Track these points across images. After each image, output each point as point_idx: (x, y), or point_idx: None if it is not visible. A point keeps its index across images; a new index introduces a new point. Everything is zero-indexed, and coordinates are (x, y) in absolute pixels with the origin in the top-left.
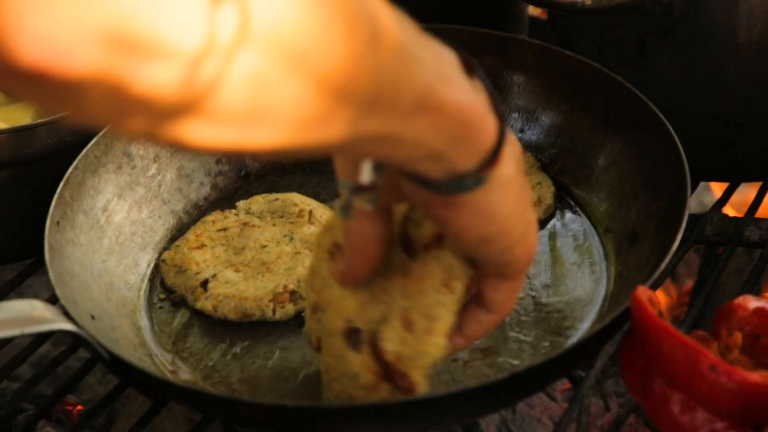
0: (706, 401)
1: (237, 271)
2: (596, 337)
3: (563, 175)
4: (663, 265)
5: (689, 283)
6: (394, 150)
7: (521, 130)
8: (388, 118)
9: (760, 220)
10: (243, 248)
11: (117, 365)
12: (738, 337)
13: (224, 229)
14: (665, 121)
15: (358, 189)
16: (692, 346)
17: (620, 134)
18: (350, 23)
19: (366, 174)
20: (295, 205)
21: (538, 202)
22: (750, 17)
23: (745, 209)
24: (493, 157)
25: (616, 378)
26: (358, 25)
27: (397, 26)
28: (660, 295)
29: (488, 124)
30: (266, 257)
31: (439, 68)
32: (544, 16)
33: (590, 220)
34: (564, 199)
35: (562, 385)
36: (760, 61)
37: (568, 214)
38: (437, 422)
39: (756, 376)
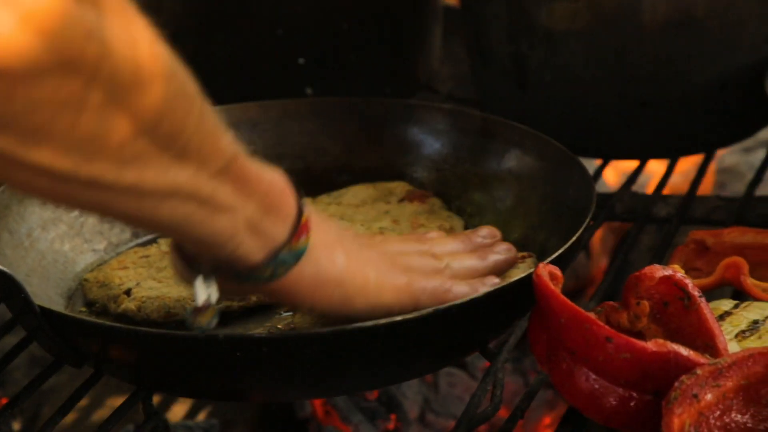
0: (605, 371)
1: (160, 282)
2: (484, 301)
3: (477, 214)
4: (569, 243)
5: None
6: (213, 221)
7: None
8: (198, 172)
9: (668, 196)
10: (165, 267)
11: (47, 318)
12: (645, 305)
13: (146, 256)
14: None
15: (196, 311)
16: (588, 320)
17: (522, 169)
18: (169, 74)
19: (199, 293)
20: None
21: (450, 230)
22: None
23: (654, 187)
24: (299, 221)
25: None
26: (177, 78)
27: (202, 97)
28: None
29: (288, 193)
30: None
31: (240, 145)
32: (458, 5)
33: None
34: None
35: (483, 364)
36: (664, 41)
37: None
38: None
39: (651, 345)
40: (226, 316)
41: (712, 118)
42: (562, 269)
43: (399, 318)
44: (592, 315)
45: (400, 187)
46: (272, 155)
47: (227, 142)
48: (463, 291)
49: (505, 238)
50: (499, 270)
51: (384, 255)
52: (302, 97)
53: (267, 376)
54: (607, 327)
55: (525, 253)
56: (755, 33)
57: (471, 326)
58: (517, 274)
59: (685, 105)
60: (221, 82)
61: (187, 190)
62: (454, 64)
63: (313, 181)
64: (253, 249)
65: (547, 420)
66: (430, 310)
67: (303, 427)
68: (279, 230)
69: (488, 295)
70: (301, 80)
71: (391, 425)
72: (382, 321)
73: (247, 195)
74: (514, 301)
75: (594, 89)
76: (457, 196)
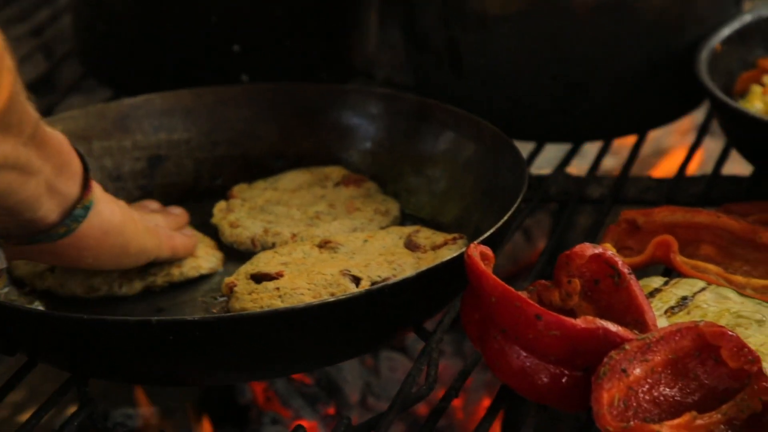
0: (535, 349)
1: None
2: (416, 281)
3: (413, 197)
4: (500, 223)
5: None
6: (26, 186)
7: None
8: (16, 143)
9: (602, 178)
10: None
11: None
12: (576, 283)
13: None
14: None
15: None
16: (518, 298)
17: (455, 150)
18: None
19: None
20: None
21: (386, 212)
22: None
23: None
24: (87, 177)
25: None
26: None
27: (15, 77)
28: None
29: (72, 151)
30: None
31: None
32: None
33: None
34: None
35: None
36: (595, 24)
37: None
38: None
39: (580, 322)
40: (148, 294)
41: (645, 100)
42: (494, 249)
43: (332, 299)
44: (523, 294)
45: (335, 171)
46: (207, 142)
47: (32, 109)
48: (181, 239)
49: (439, 220)
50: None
51: (131, 207)
52: (238, 84)
53: (201, 359)
54: (536, 305)
55: (456, 235)
56: (685, 15)
57: (404, 306)
58: (450, 255)
59: (618, 87)
60: (155, 70)
61: (11, 159)
62: (391, 50)
63: (249, 167)
64: (50, 208)
65: (486, 402)
66: (362, 290)
67: (244, 413)
68: (71, 188)
69: (420, 275)
70: (237, 67)
71: (331, 410)
72: (316, 302)
73: (46, 157)
74: (447, 281)
75: (527, 73)
76: (392, 180)
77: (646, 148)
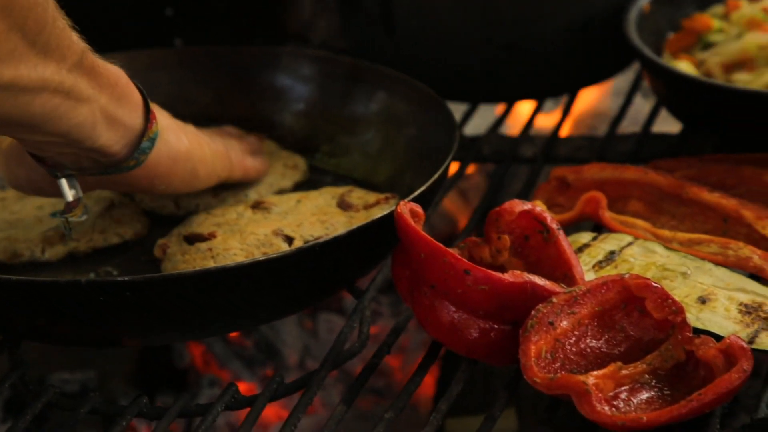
0: (464, 304)
1: (11, 224)
2: (347, 239)
3: (346, 157)
4: (429, 182)
5: None
6: (76, 112)
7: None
8: (60, 67)
9: (534, 137)
10: (20, 210)
11: None
12: (506, 239)
13: (3, 199)
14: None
15: (68, 207)
16: (447, 253)
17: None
18: None
19: (66, 191)
20: None
21: (295, 167)
22: None
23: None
24: (148, 109)
25: None
26: None
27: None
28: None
29: (131, 84)
30: (40, 212)
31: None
32: None
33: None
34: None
35: None
36: None
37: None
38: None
39: (508, 276)
40: (77, 259)
41: (576, 60)
42: (425, 208)
43: (263, 258)
44: (454, 251)
45: (233, 132)
46: None
47: (77, 38)
48: (253, 162)
49: (373, 180)
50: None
51: (201, 131)
52: (170, 47)
53: (133, 320)
54: (464, 260)
55: (389, 194)
56: None
57: (335, 264)
58: (381, 214)
59: (549, 47)
60: (87, 34)
61: (54, 83)
62: (327, 13)
63: None
64: (112, 138)
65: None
66: (293, 249)
67: (182, 376)
68: (134, 119)
69: (350, 233)
70: (170, 31)
71: (269, 371)
72: (246, 261)
73: (100, 86)
74: (378, 239)
75: (460, 34)
76: (326, 141)
77: (586, 108)
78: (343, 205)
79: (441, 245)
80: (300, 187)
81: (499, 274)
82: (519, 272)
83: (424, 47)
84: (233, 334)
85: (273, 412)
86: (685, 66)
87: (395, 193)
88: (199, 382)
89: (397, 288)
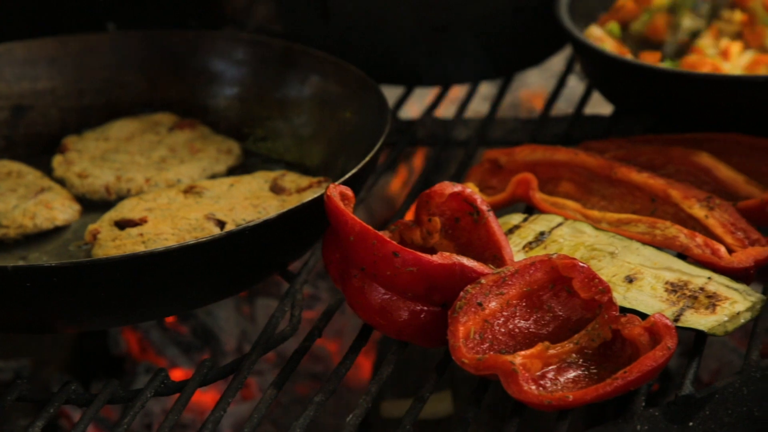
0: (394, 286)
1: None
2: (277, 222)
3: (280, 141)
4: (360, 165)
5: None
6: None
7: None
8: None
9: (468, 120)
10: None
11: None
12: (437, 221)
13: None
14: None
15: None
16: (376, 236)
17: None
18: None
19: None
20: None
21: (229, 151)
22: None
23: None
24: None
25: None
26: None
27: None
28: None
29: None
30: None
31: None
32: None
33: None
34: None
35: None
36: None
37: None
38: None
39: (436, 258)
40: (3, 245)
41: (509, 43)
42: (357, 191)
43: (192, 242)
44: (385, 233)
45: (165, 117)
46: (73, 91)
47: None
48: None
49: (306, 164)
50: None
51: None
52: (103, 32)
53: (63, 305)
54: (393, 242)
55: (321, 178)
56: None
57: (266, 248)
58: (312, 197)
59: (482, 29)
60: (19, 18)
61: None
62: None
63: (116, 116)
64: None
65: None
66: (223, 233)
67: (118, 363)
68: None
69: (280, 217)
70: (102, 15)
71: (206, 356)
72: (175, 245)
73: None
74: (309, 222)
75: (393, 17)
76: (259, 125)
77: (523, 90)
78: (276, 189)
79: (370, 228)
80: (234, 171)
81: (427, 256)
82: (448, 254)
83: (359, 31)
84: (169, 320)
85: (210, 398)
86: (609, 45)
87: (328, 176)
88: (135, 369)
89: (328, 271)
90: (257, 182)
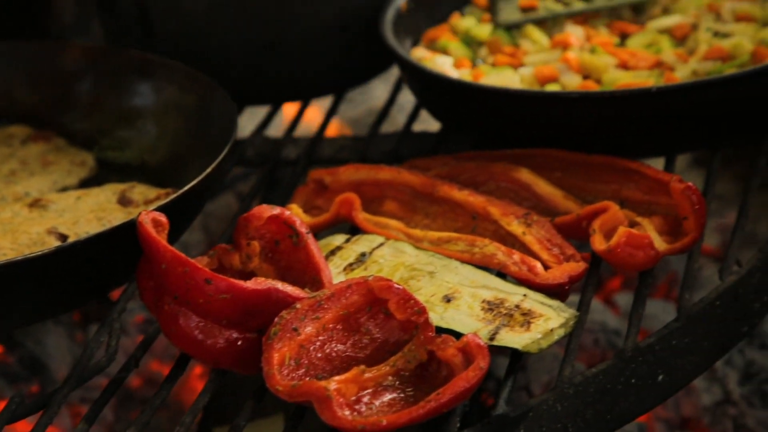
0: (208, 313)
1: None
2: (80, 248)
3: (128, 150)
4: (180, 192)
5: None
6: None
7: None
8: None
9: (298, 139)
10: None
11: None
12: (255, 245)
13: None
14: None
15: None
16: (187, 263)
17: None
18: None
19: None
20: None
21: (82, 164)
22: None
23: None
24: None
25: None
26: None
27: None
28: None
29: None
30: None
31: None
32: None
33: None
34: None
35: (134, 319)
36: None
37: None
38: None
39: (250, 283)
40: None
41: (337, 61)
42: (195, 211)
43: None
44: (204, 259)
45: (19, 130)
46: None
47: None
48: None
49: (158, 175)
50: None
51: None
52: None
53: None
54: (205, 269)
55: (169, 189)
56: None
57: (77, 273)
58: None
59: (310, 47)
60: None
61: None
62: (89, 17)
63: None
64: None
65: (198, 370)
66: (20, 257)
67: None
68: None
69: (86, 242)
70: None
71: (35, 387)
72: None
73: None
74: (125, 249)
75: (219, 35)
76: (115, 135)
77: (362, 107)
78: (124, 201)
79: (182, 255)
80: (87, 183)
81: (241, 282)
82: (262, 279)
83: (183, 49)
84: None
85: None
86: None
87: (177, 187)
88: None
89: (143, 298)
90: (105, 194)
